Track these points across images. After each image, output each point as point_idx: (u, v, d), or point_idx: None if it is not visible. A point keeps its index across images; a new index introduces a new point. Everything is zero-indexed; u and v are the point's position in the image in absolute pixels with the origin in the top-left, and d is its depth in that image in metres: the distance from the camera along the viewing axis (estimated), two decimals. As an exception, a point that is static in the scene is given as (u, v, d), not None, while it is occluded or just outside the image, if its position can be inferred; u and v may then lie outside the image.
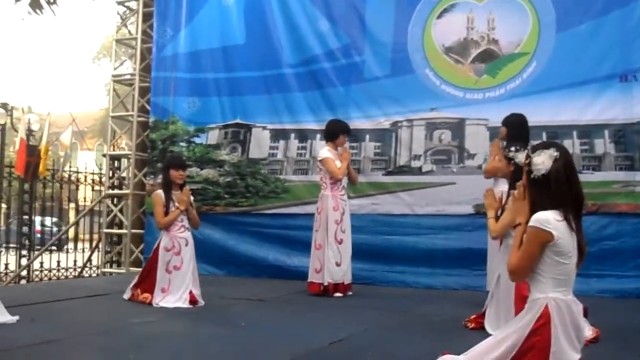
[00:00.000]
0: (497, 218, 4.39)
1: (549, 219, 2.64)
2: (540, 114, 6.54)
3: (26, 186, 10.67)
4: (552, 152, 2.73)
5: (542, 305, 2.65)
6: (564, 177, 2.71)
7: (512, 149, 4.52)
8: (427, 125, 7.49)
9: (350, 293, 6.32)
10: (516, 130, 5.38)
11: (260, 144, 8.38)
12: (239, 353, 3.79)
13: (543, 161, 2.76)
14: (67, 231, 11.06)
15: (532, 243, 2.67)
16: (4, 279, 9.74)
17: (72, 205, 12.70)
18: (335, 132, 6.46)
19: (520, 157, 4.43)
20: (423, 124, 7.50)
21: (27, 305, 5.26)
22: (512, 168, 4.50)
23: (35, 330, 4.34)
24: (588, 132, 6.76)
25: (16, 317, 4.59)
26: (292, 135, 8.22)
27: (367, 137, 7.75)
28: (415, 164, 7.53)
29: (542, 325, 2.63)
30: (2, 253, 9.98)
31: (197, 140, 8.80)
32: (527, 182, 2.83)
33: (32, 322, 4.58)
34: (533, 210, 2.74)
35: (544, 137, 6.65)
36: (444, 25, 7.45)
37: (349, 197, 6.68)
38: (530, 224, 2.67)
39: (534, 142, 5.98)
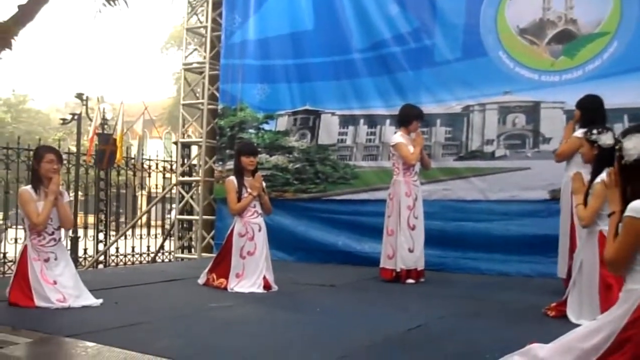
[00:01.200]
0: (585, 204, 4.22)
1: None
2: (621, 95, 6.25)
3: (101, 174, 11.03)
4: None
5: (639, 297, 2.55)
6: None
7: (595, 131, 4.36)
8: (500, 109, 7.30)
9: (422, 280, 6.27)
10: (591, 113, 5.20)
11: (329, 130, 8.38)
12: (317, 338, 3.79)
13: (635, 145, 2.64)
14: (140, 217, 11.38)
15: (629, 233, 2.57)
16: (83, 263, 10.13)
17: (144, 192, 13.05)
18: (408, 117, 6.38)
19: (604, 139, 4.28)
20: (496, 107, 7.31)
21: (109, 289, 5.43)
22: (595, 151, 4.34)
23: (120, 313, 4.48)
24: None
25: (100, 300, 4.76)
26: (362, 120, 8.17)
27: (438, 121, 7.62)
28: (488, 148, 7.36)
29: (638, 317, 2.53)
30: (81, 239, 10.34)
31: (266, 127, 8.88)
32: (619, 168, 2.71)
33: (115, 305, 4.74)
34: (627, 198, 2.63)
35: (626, 120, 6.39)
36: (518, 5, 7.22)
37: (421, 183, 6.60)
38: (627, 213, 2.56)
39: (614, 125, 5.82)
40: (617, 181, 2.82)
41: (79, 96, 13.38)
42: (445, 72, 7.55)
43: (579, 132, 5.09)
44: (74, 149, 12.41)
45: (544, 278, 6.35)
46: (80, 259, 10.28)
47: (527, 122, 7.17)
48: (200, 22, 10.12)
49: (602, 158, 4.22)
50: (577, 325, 3.13)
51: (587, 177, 4.40)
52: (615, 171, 2.86)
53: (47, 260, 4.73)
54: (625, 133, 2.72)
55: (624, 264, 2.62)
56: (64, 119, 13.81)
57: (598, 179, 4.15)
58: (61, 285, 4.67)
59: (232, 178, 5.93)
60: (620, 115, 6.36)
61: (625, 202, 2.63)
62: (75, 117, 13.26)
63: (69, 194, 5.51)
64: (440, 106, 7.58)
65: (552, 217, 6.41)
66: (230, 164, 8.54)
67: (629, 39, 6.55)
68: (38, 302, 4.56)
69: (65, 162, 9.29)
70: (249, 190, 5.85)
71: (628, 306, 2.58)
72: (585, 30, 6.87)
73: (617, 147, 2.70)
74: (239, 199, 5.82)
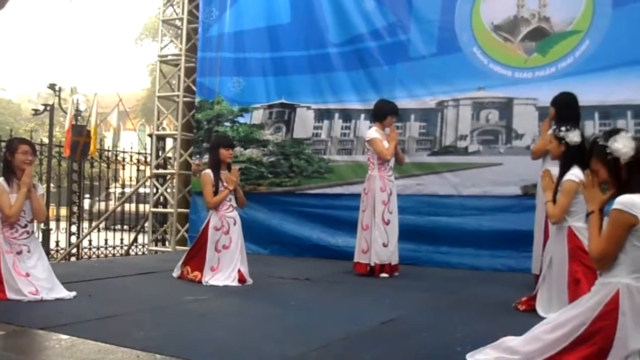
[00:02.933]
0: (553, 201, 4.30)
1: (635, 202, 2.59)
2: (592, 93, 6.35)
3: (74, 166, 10.90)
4: (625, 134, 2.69)
5: (613, 290, 2.62)
6: None
7: (563, 128, 4.43)
8: (474, 105, 7.38)
9: (396, 274, 6.32)
10: (565, 111, 5.27)
11: (304, 124, 8.39)
12: (292, 331, 3.82)
13: (624, 144, 2.71)
14: (114, 210, 11.28)
15: (617, 227, 2.62)
16: (55, 256, 10.01)
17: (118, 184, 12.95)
18: (383, 112, 6.42)
19: (572, 137, 4.36)
20: (470, 103, 7.39)
21: (83, 282, 5.41)
22: (563, 148, 4.41)
23: (94, 305, 4.46)
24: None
25: (73, 293, 4.74)
26: (337, 115, 8.20)
27: (412, 116, 7.67)
28: (461, 144, 7.43)
29: (611, 310, 2.60)
30: (53, 231, 10.22)
31: (241, 120, 8.85)
32: (608, 169, 2.76)
33: (89, 297, 4.72)
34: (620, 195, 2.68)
35: (596, 117, 6.54)
36: (493, 2, 7.30)
37: (395, 178, 6.64)
38: (615, 206, 2.62)
39: (585, 123, 5.93)
40: (594, 182, 2.89)
41: (52, 87, 13.18)
42: (419, 68, 7.60)
43: (551, 132, 5.18)
44: (46, 140, 12.24)
45: (515, 273, 6.46)
46: (52, 252, 10.16)
47: (500, 118, 7.26)
48: (176, 14, 10.05)
49: (570, 155, 4.31)
50: (547, 319, 3.21)
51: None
52: (593, 172, 2.91)
53: (19, 252, 4.68)
54: (607, 137, 2.78)
55: (612, 257, 2.66)
56: (36, 110, 13.59)
57: (567, 177, 4.24)
58: (34, 278, 4.63)
59: (209, 171, 5.91)
60: (591, 113, 6.49)
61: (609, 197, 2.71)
62: (48, 108, 13.07)
63: (41, 185, 5.44)
64: (415, 101, 7.62)
65: (523, 213, 6.52)
66: (207, 157, 8.52)
67: (601, 37, 6.65)
68: (10, 295, 4.51)
69: (38, 153, 9.16)
70: (225, 184, 5.85)
71: (600, 298, 2.64)
72: (558, 28, 6.97)
73: (607, 151, 2.74)
74: (215, 193, 5.82)
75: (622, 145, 2.69)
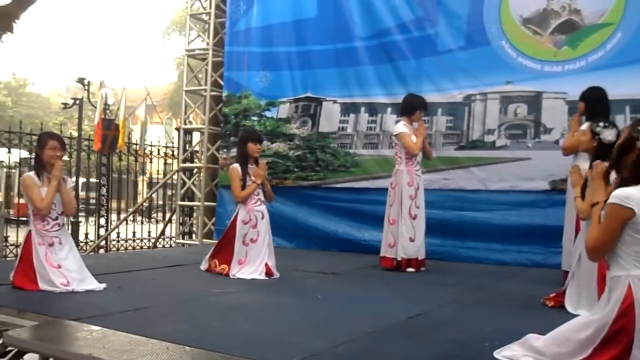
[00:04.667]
0: (582, 196, 4.26)
1: (630, 195, 2.59)
2: (623, 87, 6.24)
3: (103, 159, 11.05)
4: None
5: (626, 285, 2.62)
6: None
7: (601, 124, 4.38)
8: (502, 99, 7.31)
9: (423, 269, 6.31)
10: (595, 105, 5.20)
11: (330, 118, 8.39)
12: (319, 325, 3.84)
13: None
14: (142, 204, 11.41)
15: (611, 220, 2.63)
16: (84, 248, 10.18)
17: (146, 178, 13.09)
18: (413, 107, 6.40)
19: (606, 135, 4.30)
20: (497, 97, 7.33)
21: (112, 274, 5.48)
22: (595, 144, 4.36)
23: (123, 297, 4.52)
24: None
25: (104, 285, 4.80)
26: (363, 109, 8.18)
27: (439, 111, 7.63)
28: (489, 138, 7.38)
29: (628, 306, 2.60)
30: (82, 223, 10.38)
31: (267, 114, 8.89)
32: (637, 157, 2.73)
33: (119, 289, 4.79)
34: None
35: (627, 112, 6.44)
36: (522, -5, 7.21)
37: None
38: (610, 200, 2.62)
39: (615, 117, 5.83)
40: (603, 173, 2.88)
41: (81, 81, 13.37)
42: (447, 61, 7.55)
43: (585, 126, 5.11)
44: (75, 133, 12.42)
45: (541, 268, 6.41)
46: (82, 244, 10.33)
47: (529, 112, 7.18)
48: (204, 8, 10.10)
49: (601, 152, 4.26)
50: (575, 316, 3.18)
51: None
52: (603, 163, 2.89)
53: (51, 244, 4.76)
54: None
55: (604, 250, 2.69)
56: (65, 104, 13.81)
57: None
58: (65, 269, 4.71)
59: (237, 165, 5.94)
60: (622, 107, 6.38)
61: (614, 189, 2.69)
62: (77, 101, 13.27)
63: (70, 179, 5.53)
64: (442, 95, 7.58)
65: (551, 208, 6.47)
66: (234, 151, 8.57)
67: (633, 30, 6.54)
68: (42, 286, 4.59)
69: (66, 147, 9.31)
70: (252, 178, 5.88)
71: (617, 295, 2.63)
72: (589, 20, 6.86)
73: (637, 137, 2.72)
74: (243, 187, 5.85)
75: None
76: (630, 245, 2.62)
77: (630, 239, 2.61)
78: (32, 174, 4.90)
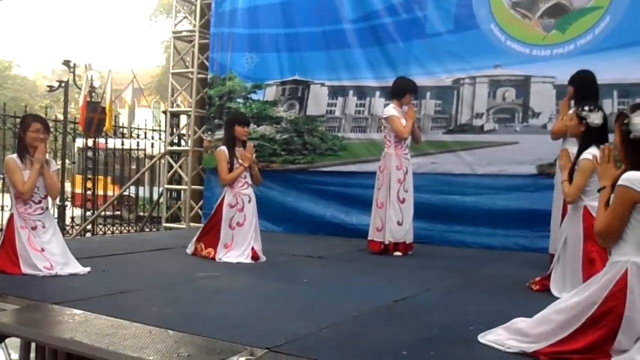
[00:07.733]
0: (570, 180, 4.25)
1: None
2: (612, 71, 6.21)
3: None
4: None
5: (622, 269, 2.59)
6: None
7: (586, 108, 4.35)
8: (491, 83, 7.27)
9: (410, 252, 6.30)
10: (584, 89, 5.16)
11: (318, 101, 8.33)
12: (304, 308, 3.82)
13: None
14: (128, 187, 11.33)
15: (621, 203, 2.59)
16: (70, 231, 10.10)
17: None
18: (403, 90, 6.36)
19: (593, 118, 4.28)
20: (486, 81, 7.29)
21: (97, 257, 5.43)
22: (582, 128, 4.34)
23: (108, 281, 4.48)
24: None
25: (88, 269, 4.76)
26: (351, 92, 8.12)
27: (428, 94, 7.59)
28: (477, 122, 7.35)
29: (620, 290, 2.58)
30: (68, 207, 10.31)
31: (254, 96, 8.82)
32: (623, 143, 2.71)
33: (103, 273, 4.75)
34: (624, 170, 2.65)
35: (615, 96, 6.42)
36: (511, -22, 7.16)
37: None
38: (620, 182, 2.58)
39: (603, 101, 5.82)
40: (609, 157, 2.85)
41: (66, 63, 13.21)
42: (436, 45, 7.50)
43: (571, 111, 5.09)
44: (61, 116, 12.29)
45: (528, 252, 6.42)
46: (68, 227, 10.25)
47: (517, 96, 7.15)
48: (190, -11, 9.97)
49: (589, 136, 4.25)
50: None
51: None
52: (609, 147, 2.88)
53: (34, 228, 4.70)
54: (635, 108, 2.72)
55: (615, 234, 2.64)
56: (51, 86, 13.64)
57: (583, 155, 4.18)
58: (48, 253, 4.66)
59: (224, 148, 5.89)
60: (610, 91, 6.37)
61: (621, 173, 2.66)
62: (63, 84, 13.11)
63: (56, 162, 5.45)
64: (431, 79, 7.52)
65: (539, 192, 6.47)
66: (219, 134, 8.50)
67: (622, 14, 6.50)
68: (25, 269, 4.55)
69: (52, 130, 9.21)
70: (240, 160, 5.82)
71: (610, 278, 2.61)
72: (578, 4, 6.82)
73: (625, 121, 2.69)
74: (230, 170, 5.80)
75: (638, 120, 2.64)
76: (635, 230, 2.59)
77: (636, 223, 2.58)
78: (14, 156, 4.83)
